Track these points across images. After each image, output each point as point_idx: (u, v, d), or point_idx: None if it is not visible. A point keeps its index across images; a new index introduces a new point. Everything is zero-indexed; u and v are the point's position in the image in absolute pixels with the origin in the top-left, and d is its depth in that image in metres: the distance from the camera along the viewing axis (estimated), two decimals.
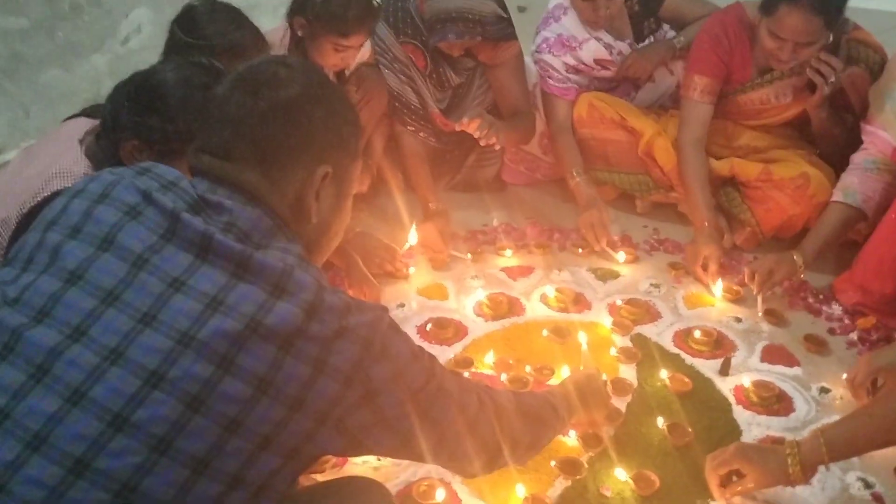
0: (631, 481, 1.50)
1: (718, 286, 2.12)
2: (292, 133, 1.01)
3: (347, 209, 1.12)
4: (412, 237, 2.29)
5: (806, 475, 1.41)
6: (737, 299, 2.09)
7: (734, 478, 1.44)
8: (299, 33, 2.16)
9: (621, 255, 2.27)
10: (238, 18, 1.78)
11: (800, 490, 1.49)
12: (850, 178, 2.06)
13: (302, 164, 1.03)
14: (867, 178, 2.03)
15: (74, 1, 2.77)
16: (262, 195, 0.99)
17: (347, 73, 2.38)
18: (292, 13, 2.16)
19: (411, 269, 2.22)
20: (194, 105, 1.36)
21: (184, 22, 1.76)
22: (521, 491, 1.46)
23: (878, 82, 2.10)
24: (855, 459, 1.55)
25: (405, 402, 0.99)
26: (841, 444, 1.36)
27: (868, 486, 1.53)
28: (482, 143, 2.30)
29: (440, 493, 1.45)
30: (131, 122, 1.39)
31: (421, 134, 2.55)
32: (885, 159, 2.03)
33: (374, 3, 2.15)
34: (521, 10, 4.09)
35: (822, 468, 1.49)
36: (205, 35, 1.71)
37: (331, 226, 1.10)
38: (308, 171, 1.03)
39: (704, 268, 2.15)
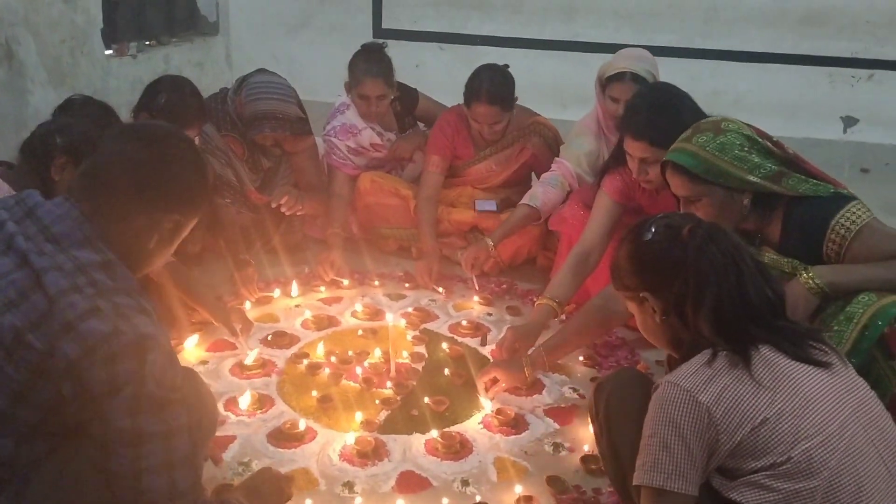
0: (431, 403, 2.23)
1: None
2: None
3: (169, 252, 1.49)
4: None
5: (535, 374, 2.26)
6: (488, 303, 2.97)
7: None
8: None
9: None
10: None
11: (536, 397, 2.32)
12: (536, 189, 3.05)
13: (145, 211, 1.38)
14: (548, 190, 3.02)
15: None
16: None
17: None
18: (137, 110, 2.77)
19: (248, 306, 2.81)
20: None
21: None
22: (359, 417, 2.13)
23: (568, 138, 3.15)
24: (566, 378, 2.43)
25: None
26: (551, 349, 2.25)
27: (576, 391, 2.39)
28: (288, 212, 3.07)
29: (301, 424, 2.07)
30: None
31: (236, 206, 3.19)
32: (563, 179, 3.02)
33: (203, 104, 2.84)
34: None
35: (547, 383, 2.36)
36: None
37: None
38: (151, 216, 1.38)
39: (426, 273, 3.04)
